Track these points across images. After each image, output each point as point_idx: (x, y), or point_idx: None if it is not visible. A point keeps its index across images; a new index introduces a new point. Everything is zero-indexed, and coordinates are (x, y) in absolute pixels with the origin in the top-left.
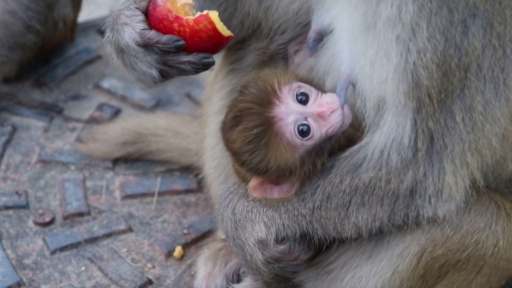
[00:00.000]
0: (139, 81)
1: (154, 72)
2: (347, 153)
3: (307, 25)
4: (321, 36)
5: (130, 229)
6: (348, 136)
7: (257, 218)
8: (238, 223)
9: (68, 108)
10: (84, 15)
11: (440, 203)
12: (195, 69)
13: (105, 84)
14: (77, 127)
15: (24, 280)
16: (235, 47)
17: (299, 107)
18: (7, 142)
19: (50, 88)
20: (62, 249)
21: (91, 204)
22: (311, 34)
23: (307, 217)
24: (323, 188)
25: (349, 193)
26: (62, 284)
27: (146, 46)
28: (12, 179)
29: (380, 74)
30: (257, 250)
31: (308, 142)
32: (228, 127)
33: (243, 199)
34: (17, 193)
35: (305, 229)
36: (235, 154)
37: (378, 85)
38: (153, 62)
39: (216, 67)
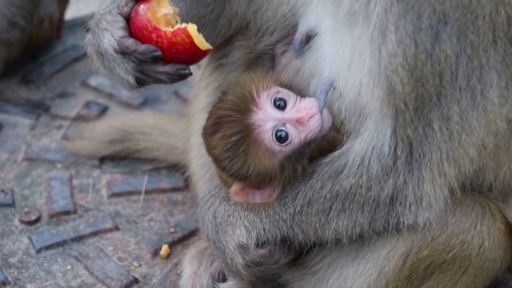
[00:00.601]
0: (117, 84)
1: (131, 79)
2: (328, 158)
3: (294, 27)
4: (308, 39)
5: (116, 228)
6: (330, 140)
7: (238, 222)
8: (219, 226)
9: (55, 105)
10: (72, 13)
11: (420, 211)
12: (171, 79)
13: (92, 81)
14: (64, 124)
15: (9, 279)
16: (223, 44)
17: (277, 113)
18: None
19: (37, 85)
20: (48, 247)
21: (77, 202)
22: (298, 36)
23: (288, 221)
24: (304, 194)
25: (329, 199)
26: (47, 283)
27: (124, 54)
28: None
29: (356, 77)
30: (238, 254)
31: (287, 148)
32: (208, 134)
33: (224, 202)
34: (3, 191)
35: (285, 233)
36: (216, 160)
37: (355, 88)
38: (130, 70)
39: (203, 64)
